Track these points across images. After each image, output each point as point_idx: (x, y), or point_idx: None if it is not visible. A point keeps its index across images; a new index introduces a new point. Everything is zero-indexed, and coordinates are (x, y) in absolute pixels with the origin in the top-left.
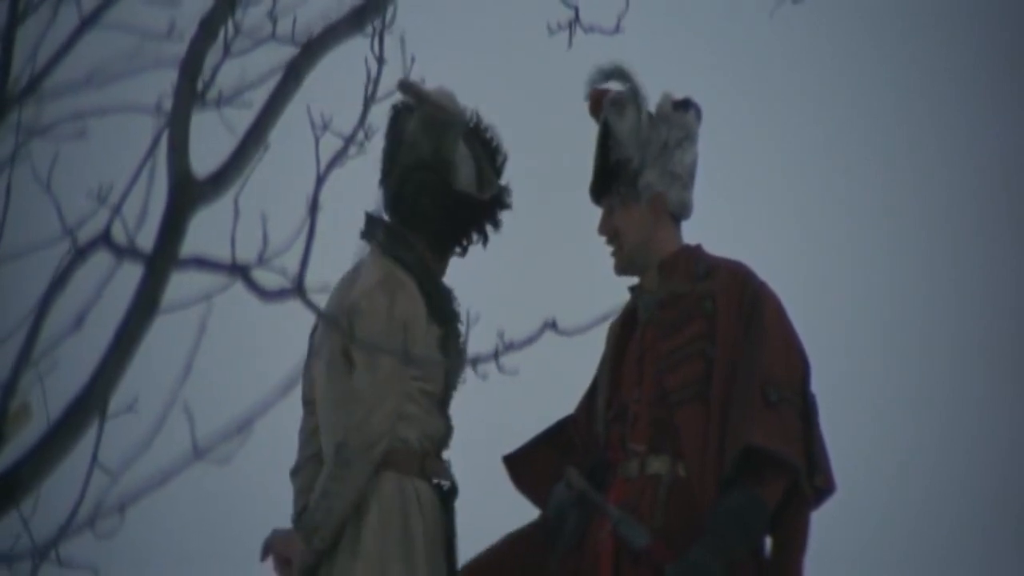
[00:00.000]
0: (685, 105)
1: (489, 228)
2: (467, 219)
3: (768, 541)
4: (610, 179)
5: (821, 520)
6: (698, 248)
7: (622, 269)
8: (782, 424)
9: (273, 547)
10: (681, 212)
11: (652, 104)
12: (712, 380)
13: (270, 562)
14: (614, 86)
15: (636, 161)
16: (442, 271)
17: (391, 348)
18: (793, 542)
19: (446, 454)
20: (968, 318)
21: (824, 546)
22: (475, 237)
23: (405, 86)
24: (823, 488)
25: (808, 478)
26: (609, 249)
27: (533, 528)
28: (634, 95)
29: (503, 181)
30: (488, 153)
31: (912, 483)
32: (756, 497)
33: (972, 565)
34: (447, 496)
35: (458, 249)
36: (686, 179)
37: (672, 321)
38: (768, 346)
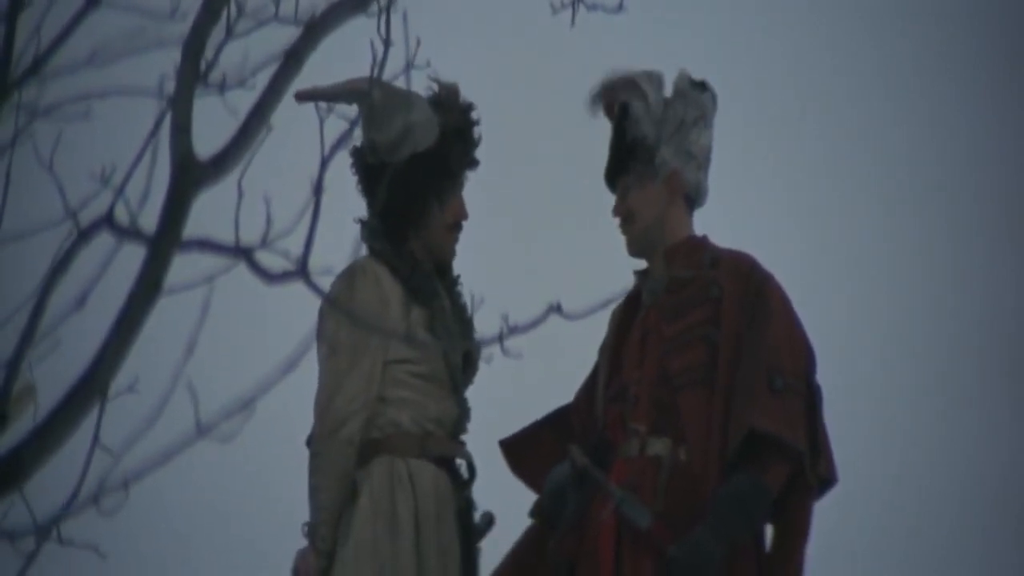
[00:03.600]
0: (702, 86)
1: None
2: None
3: (770, 530)
4: (626, 159)
5: (822, 519)
6: (705, 239)
7: (635, 250)
8: (786, 411)
9: (297, 569)
10: (696, 195)
11: (668, 83)
12: (716, 365)
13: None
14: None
15: (652, 138)
16: (432, 250)
17: (372, 327)
18: (795, 531)
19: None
20: (968, 318)
21: (824, 546)
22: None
23: (303, 95)
24: (825, 478)
25: (811, 466)
26: (621, 232)
27: (536, 525)
28: (649, 76)
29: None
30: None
31: (912, 483)
32: (760, 482)
33: (972, 565)
34: (459, 475)
35: (400, 219)
36: (701, 160)
37: (677, 306)
38: (773, 334)
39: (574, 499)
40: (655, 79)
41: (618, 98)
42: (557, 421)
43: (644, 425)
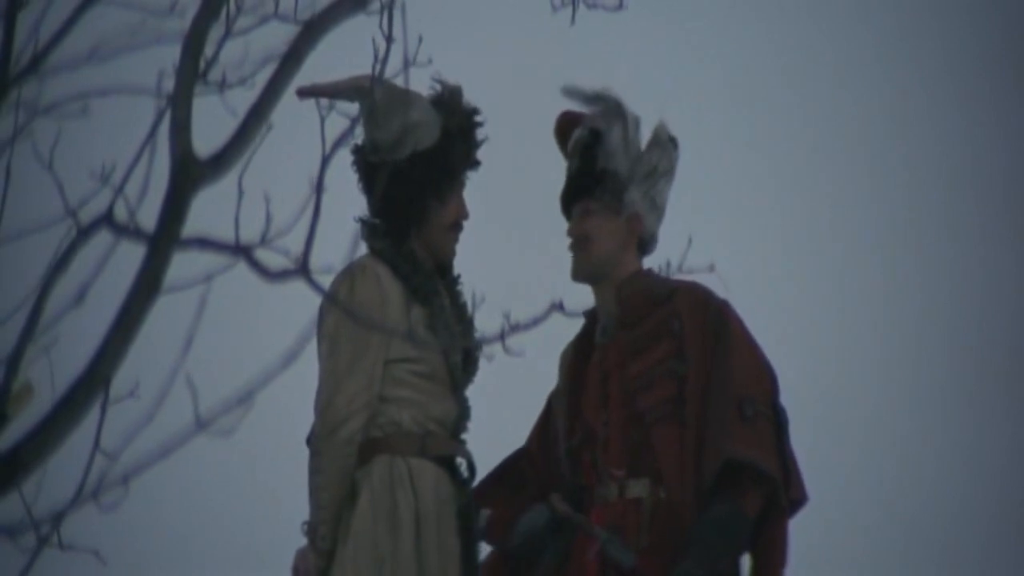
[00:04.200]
0: (675, 142)
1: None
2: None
3: (747, 558)
4: (592, 185)
5: (821, 520)
6: (651, 271)
7: (583, 277)
8: (759, 437)
9: (296, 567)
10: (650, 242)
11: (646, 127)
12: (685, 399)
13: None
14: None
15: (625, 174)
16: (432, 249)
17: (370, 325)
18: (773, 555)
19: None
20: (967, 318)
21: (823, 547)
22: (406, 200)
23: (304, 91)
24: (796, 500)
25: (784, 490)
26: (572, 254)
27: (495, 559)
28: (620, 110)
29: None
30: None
31: (912, 484)
32: (738, 509)
33: (972, 565)
34: (460, 474)
35: (403, 219)
36: (661, 212)
37: (638, 342)
38: (738, 362)
39: (553, 545)
40: (635, 119)
41: (591, 123)
42: (509, 471)
43: (621, 469)
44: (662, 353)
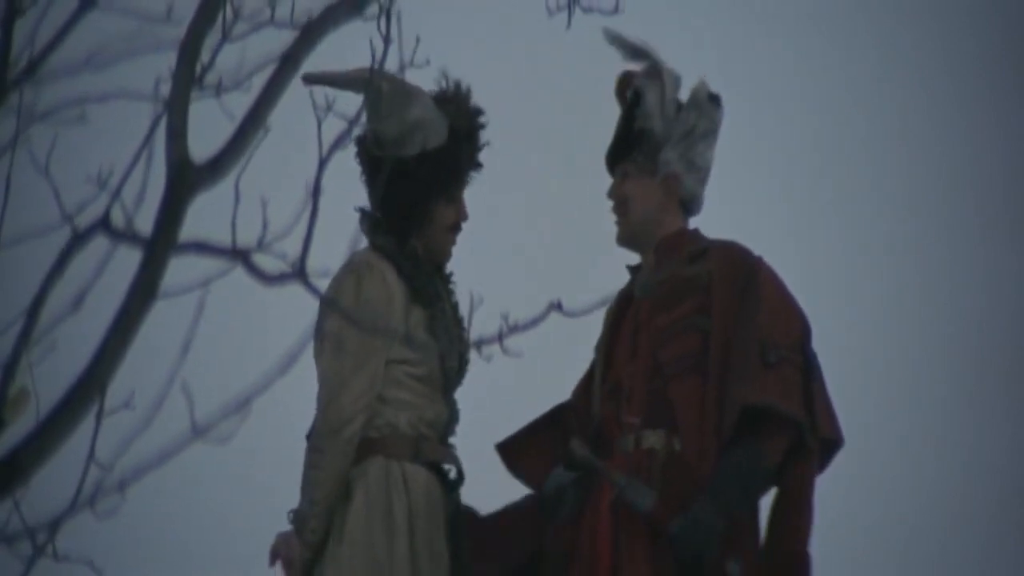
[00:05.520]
0: (717, 100)
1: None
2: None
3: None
4: (632, 145)
5: (820, 519)
6: (696, 231)
7: (625, 240)
8: (781, 381)
9: (277, 550)
10: (691, 203)
11: (686, 87)
12: (709, 352)
13: (279, 565)
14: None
15: (660, 135)
16: (431, 249)
17: (372, 329)
18: (798, 499)
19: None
20: (967, 318)
21: (823, 546)
22: (414, 198)
23: (310, 78)
24: (830, 440)
25: (811, 431)
26: (615, 218)
27: (528, 501)
28: (671, 73)
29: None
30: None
31: (912, 484)
32: (757, 453)
33: (971, 565)
34: (449, 480)
35: (409, 218)
36: (703, 173)
37: (668, 297)
38: (764, 309)
39: (573, 494)
40: (675, 78)
41: (635, 82)
42: (553, 419)
43: (638, 419)
44: (688, 308)
